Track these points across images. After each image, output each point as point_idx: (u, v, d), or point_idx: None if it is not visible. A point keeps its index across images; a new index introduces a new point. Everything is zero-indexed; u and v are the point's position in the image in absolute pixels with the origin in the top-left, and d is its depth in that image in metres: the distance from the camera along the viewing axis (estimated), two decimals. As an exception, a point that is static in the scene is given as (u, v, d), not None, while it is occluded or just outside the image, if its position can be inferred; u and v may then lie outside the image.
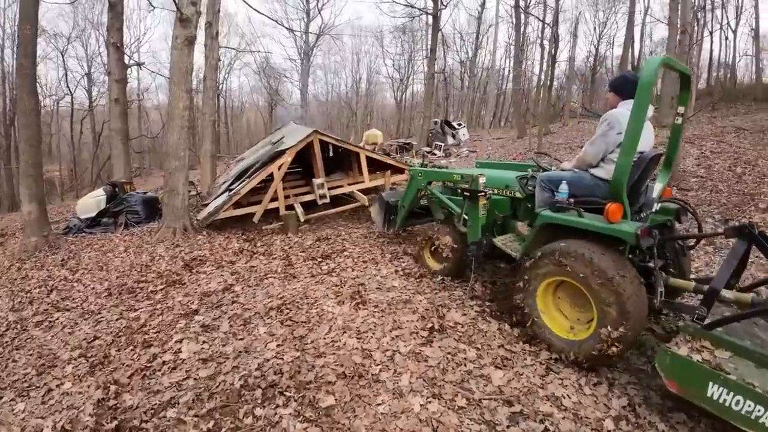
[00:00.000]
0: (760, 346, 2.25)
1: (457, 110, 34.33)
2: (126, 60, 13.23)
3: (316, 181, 7.11)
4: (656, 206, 3.12)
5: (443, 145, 17.90)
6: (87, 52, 26.28)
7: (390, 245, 5.44)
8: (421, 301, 3.65)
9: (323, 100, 41.04)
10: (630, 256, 2.73)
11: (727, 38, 21.74)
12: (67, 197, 21.61)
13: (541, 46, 26.70)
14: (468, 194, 3.72)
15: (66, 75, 25.58)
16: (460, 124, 20.52)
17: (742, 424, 1.93)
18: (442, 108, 31.03)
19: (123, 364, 3.13)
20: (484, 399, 2.40)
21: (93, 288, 5.01)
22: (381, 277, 4.30)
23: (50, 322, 4.32)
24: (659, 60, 2.58)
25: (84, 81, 26.05)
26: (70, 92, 25.83)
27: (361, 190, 7.61)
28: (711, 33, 21.16)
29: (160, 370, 2.93)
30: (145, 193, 9.64)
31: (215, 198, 7.40)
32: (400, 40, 34.29)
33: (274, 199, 6.92)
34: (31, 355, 3.67)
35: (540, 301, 2.93)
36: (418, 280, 4.20)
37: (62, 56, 25.13)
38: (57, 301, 4.77)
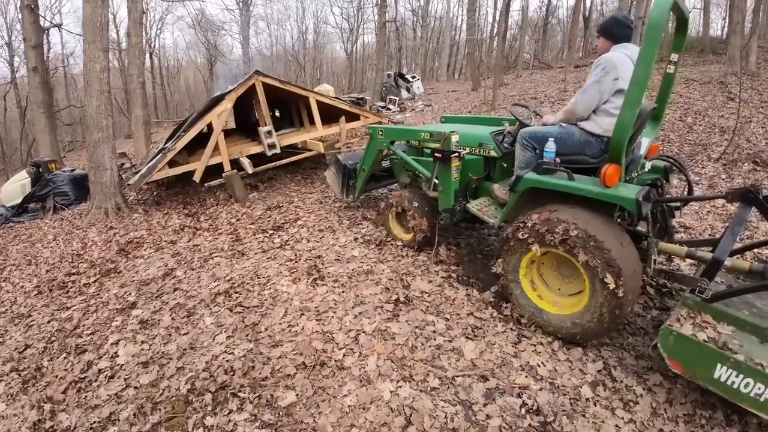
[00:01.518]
0: (759, 316, 2.10)
1: (410, 62, 33.30)
2: (42, 23, 11.43)
3: (263, 129, 6.30)
4: (647, 165, 2.87)
5: (398, 99, 17.31)
6: (6, 20, 22.87)
7: (347, 210, 5.12)
8: (383, 270, 3.41)
9: (267, 54, 38.32)
10: (618, 219, 2.52)
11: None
12: (-2, 182, 19.33)
13: (494, -8, 25.92)
14: (440, 155, 3.29)
15: None
16: (414, 77, 19.89)
17: (750, 407, 1.84)
18: (395, 60, 29.92)
19: (56, 377, 2.71)
20: (458, 376, 2.24)
21: (22, 287, 4.44)
22: (339, 246, 4.01)
23: None
24: None
25: (5, 51, 22.74)
26: None
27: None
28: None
29: (96, 381, 2.54)
30: (72, 170, 8.60)
31: (148, 163, 6.57)
32: (347, -13, 32.12)
33: (217, 157, 6.16)
34: None
35: (523, 275, 2.66)
36: (379, 247, 3.95)
37: (-21, 27, 21.67)
38: None
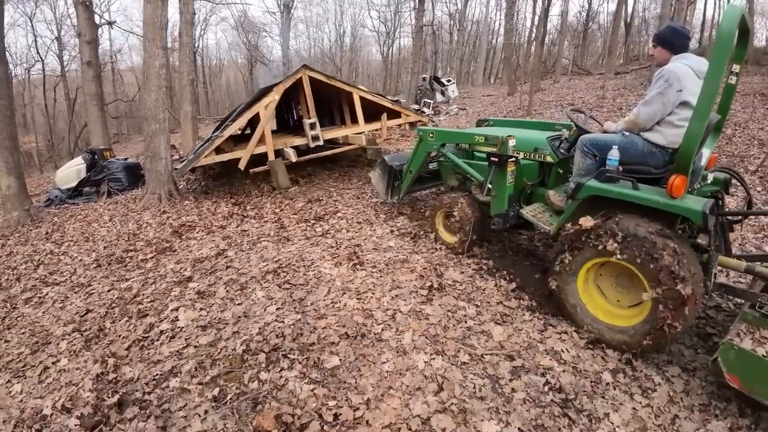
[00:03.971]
0: None
1: (445, 66, 33.34)
2: (96, 19, 12.35)
3: (308, 121, 6.49)
4: (710, 177, 2.81)
5: (432, 102, 17.47)
6: (56, 15, 24.63)
7: (383, 205, 5.36)
8: (418, 260, 3.64)
9: (305, 55, 39.29)
10: (680, 231, 2.47)
11: (719, -1, 21.15)
12: (46, 169, 20.81)
13: (533, -4, 25.76)
14: (496, 159, 3.24)
15: (36, 41, 24.04)
16: (449, 81, 19.97)
17: None
18: (431, 63, 30.08)
19: (119, 336, 3.04)
20: (486, 354, 2.44)
21: (80, 260, 4.86)
22: (377, 237, 4.26)
23: (40, 297, 4.17)
24: (741, 9, 2.20)
25: (54, 45, 24.51)
26: (41, 58, 24.36)
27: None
28: (706, -8, 20.61)
29: (158, 340, 2.88)
30: (126, 159, 9.29)
31: (195, 151, 6.96)
32: (386, -9, 32.55)
33: (262, 147, 6.38)
34: (23, 333, 3.53)
35: (581, 285, 2.65)
36: (413, 240, 4.18)
37: (31, 21, 23.48)
38: (45, 275, 4.61)
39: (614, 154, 2.55)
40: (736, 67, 2.74)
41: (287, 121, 11.19)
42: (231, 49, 39.73)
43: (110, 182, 8.33)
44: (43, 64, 24.65)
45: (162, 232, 5.25)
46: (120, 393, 2.39)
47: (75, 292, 4.09)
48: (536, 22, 18.80)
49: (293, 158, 6.36)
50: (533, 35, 21.68)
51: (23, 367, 3.02)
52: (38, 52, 24.41)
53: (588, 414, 2.11)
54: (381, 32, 35.33)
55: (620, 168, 2.54)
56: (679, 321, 2.24)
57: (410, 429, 1.93)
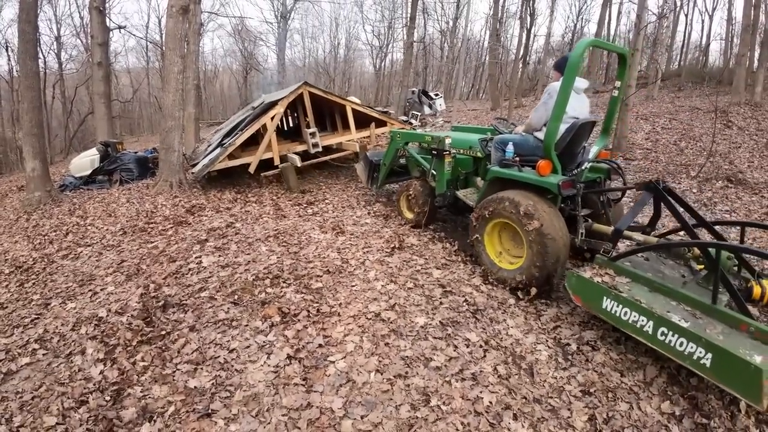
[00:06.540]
0: (660, 278, 2.68)
1: (436, 80, 34.79)
2: (108, 23, 13.36)
3: (309, 130, 7.57)
4: (586, 165, 3.58)
5: (420, 114, 18.63)
6: (56, 14, 25.36)
7: (364, 196, 6.40)
8: (387, 231, 4.66)
9: (300, 65, 40.53)
10: (562, 205, 3.28)
11: (703, 21, 22.97)
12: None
13: (521, 18, 27.35)
14: (436, 153, 4.40)
15: (39, 39, 24.67)
16: (437, 95, 21.19)
17: (630, 331, 2.44)
18: (422, 77, 31.46)
19: (155, 272, 3.91)
20: (426, 284, 3.46)
21: (107, 229, 5.63)
22: (356, 217, 5.28)
23: (75, 254, 4.95)
24: (587, 42, 3.14)
25: (54, 45, 25.22)
26: (43, 56, 24.99)
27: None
28: (686, 15, 22.44)
29: (188, 274, 3.82)
30: (135, 152, 10.19)
31: (205, 156, 7.92)
32: (380, 7, 34.08)
33: (268, 153, 7.34)
34: (67, 276, 4.25)
35: (487, 240, 3.61)
36: (385, 219, 5.21)
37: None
38: (76, 240, 5.36)
39: (510, 148, 3.55)
40: (617, 83, 3.56)
41: (283, 126, 12.18)
42: (227, 55, 40.69)
43: (122, 172, 9.20)
44: (45, 62, 25.30)
45: (176, 211, 6.17)
46: (163, 301, 3.30)
47: (107, 250, 4.83)
48: (523, 41, 20.16)
49: (299, 163, 7.20)
50: (519, 54, 23.15)
51: (73, 294, 3.76)
52: (41, 50, 25.07)
53: (490, 318, 3.13)
54: (374, 46, 36.74)
55: (517, 158, 3.44)
56: (545, 264, 3.05)
57: (367, 318, 2.94)
